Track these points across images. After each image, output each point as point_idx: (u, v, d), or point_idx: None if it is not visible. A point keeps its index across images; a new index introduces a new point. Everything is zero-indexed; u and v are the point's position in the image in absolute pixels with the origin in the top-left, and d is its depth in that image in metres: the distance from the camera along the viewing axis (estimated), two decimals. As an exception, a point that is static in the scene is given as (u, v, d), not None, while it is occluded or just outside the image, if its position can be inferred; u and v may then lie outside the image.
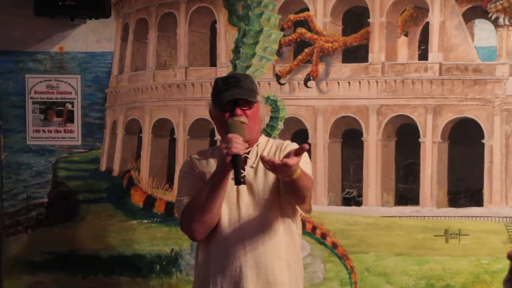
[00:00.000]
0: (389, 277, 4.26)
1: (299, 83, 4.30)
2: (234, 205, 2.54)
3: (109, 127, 4.42)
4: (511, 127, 4.20)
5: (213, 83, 2.64)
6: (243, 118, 2.48)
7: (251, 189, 2.56)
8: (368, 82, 4.26)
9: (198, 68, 4.36)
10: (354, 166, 4.36)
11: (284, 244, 2.57)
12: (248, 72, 4.23)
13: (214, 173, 2.42)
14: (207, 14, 4.31)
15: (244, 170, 2.48)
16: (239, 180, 2.30)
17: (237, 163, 2.28)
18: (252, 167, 2.59)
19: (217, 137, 4.01)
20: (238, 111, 2.46)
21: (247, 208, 2.54)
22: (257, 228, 2.53)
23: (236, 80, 2.51)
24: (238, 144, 2.31)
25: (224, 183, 2.39)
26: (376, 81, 4.25)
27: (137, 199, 4.40)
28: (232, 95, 2.48)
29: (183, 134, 4.41)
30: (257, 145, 2.64)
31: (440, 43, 4.23)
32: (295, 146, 2.53)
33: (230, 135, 2.34)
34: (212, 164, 2.56)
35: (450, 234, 4.24)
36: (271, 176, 2.56)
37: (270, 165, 2.22)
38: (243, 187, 2.52)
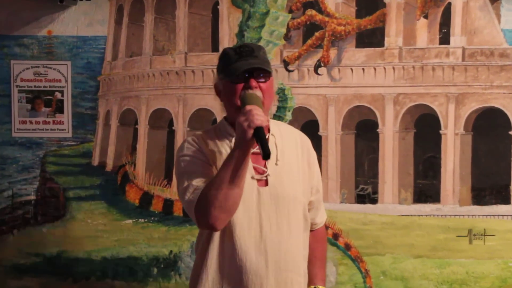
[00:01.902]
0: (408, 282, 4.18)
1: (308, 70, 4.23)
2: (254, 211, 2.33)
3: (102, 118, 4.37)
4: (541, 117, 4.14)
5: (220, 54, 2.42)
6: (258, 92, 2.28)
7: (274, 193, 2.35)
8: (384, 68, 4.20)
9: (199, 54, 4.30)
10: (368, 160, 4.31)
11: (303, 256, 2.44)
12: None
13: (233, 150, 2.20)
14: (209, -5, 4.30)
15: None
16: (267, 153, 2.11)
17: (262, 135, 2.12)
18: (276, 164, 2.37)
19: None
20: (254, 82, 2.26)
21: (269, 216, 2.33)
22: (280, 241, 2.33)
23: (250, 49, 2.31)
24: (259, 115, 2.14)
25: (246, 162, 2.18)
26: (393, 68, 4.18)
27: (132, 196, 4.33)
28: (248, 64, 2.27)
29: (182, 125, 4.36)
30: (273, 135, 2.42)
31: (463, 25, 4.16)
32: (309, 142, 2.49)
33: (248, 107, 2.17)
34: (220, 146, 2.36)
35: (474, 235, 4.16)
36: (295, 171, 2.40)
37: None
38: (264, 191, 2.33)
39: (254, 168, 2.32)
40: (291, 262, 2.35)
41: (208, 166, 2.33)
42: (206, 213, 2.21)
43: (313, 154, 2.51)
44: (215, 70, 2.55)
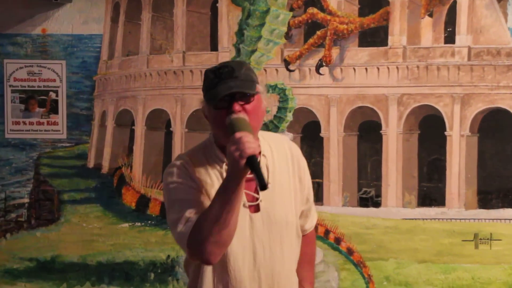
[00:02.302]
0: (412, 287, 4.17)
1: (310, 69, 4.24)
2: (247, 239, 2.27)
3: (98, 119, 4.39)
4: (549, 119, 4.13)
5: (204, 75, 2.31)
6: (242, 115, 2.17)
7: (267, 218, 2.29)
8: (388, 68, 4.20)
9: (198, 53, 4.31)
10: (371, 163, 4.31)
11: (295, 279, 2.40)
12: (254, 57, 4.11)
13: (226, 182, 2.13)
14: (208, -8, 4.37)
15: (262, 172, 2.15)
16: (264, 184, 2.05)
17: (255, 165, 2.05)
18: (267, 187, 2.24)
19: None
20: (237, 106, 2.17)
21: (262, 242, 2.28)
22: (273, 267, 2.30)
23: (229, 70, 2.21)
24: (250, 143, 2.05)
25: (240, 192, 2.11)
26: (397, 67, 4.19)
27: (129, 199, 4.32)
28: (226, 89, 2.17)
29: (180, 126, 4.36)
30: (264, 156, 2.34)
31: (469, 24, 4.16)
32: (299, 151, 2.42)
33: (238, 134, 2.07)
34: (211, 173, 2.28)
35: (480, 239, 4.14)
36: (287, 192, 2.34)
37: None
38: (257, 217, 2.27)
39: (245, 194, 2.24)
40: (284, 286, 2.33)
41: (199, 194, 2.25)
42: (200, 248, 2.15)
43: (304, 164, 2.44)
44: None
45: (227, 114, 2.16)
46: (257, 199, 2.26)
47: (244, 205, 2.23)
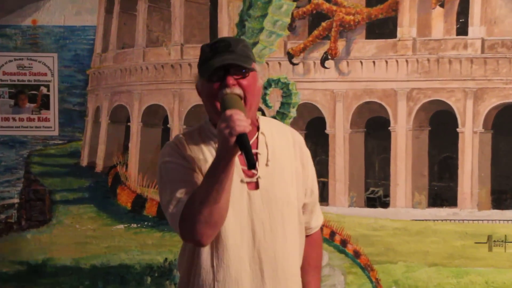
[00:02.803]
0: None
1: (315, 63, 4.22)
2: (245, 218, 2.30)
3: (92, 115, 4.39)
4: None
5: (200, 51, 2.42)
6: (237, 90, 2.24)
7: (266, 196, 2.32)
8: (397, 61, 4.19)
9: (196, 46, 4.25)
10: (379, 161, 4.31)
11: (298, 264, 2.41)
12: (255, 50, 4.08)
13: (216, 161, 2.16)
14: (207, -19, 4.38)
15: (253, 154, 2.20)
16: (252, 162, 2.08)
17: (245, 143, 2.09)
18: (267, 165, 2.34)
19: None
20: (231, 80, 2.23)
21: (261, 221, 2.31)
22: (275, 248, 2.31)
23: (226, 44, 2.28)
24: (241, 121, 2.09)
25: (230, 171, 2.15)
26: (406, 61, 4.18)
27: (124, 199, 4.30)
28: (221, 61, 2.24)
29: (178, 123, 4.33)
30: (262, 134, 2.40)
31: (482, 14, 4.14)
32: (302, 140, 2.46)
33: (228, 112, 2.12)
34: (205, 149, 2.33)
35: (494, 241, 4.11)
36: (288, 172, 2.36)
37: None
38: (255, 195, 2.30)
39: (243, 171, 2.29)
40: (288, 270, 2.34)
41: (193, 173, 2.30)
42: (191, 229, 2.20)
43: (307, 153, 2.48)
44: None
45: (220, 88, 2.22)
46: (255, 175, 2.30)
47: (242, 181, 2.27)
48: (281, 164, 2.33)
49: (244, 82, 2.25)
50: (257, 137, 2.36)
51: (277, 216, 2.31)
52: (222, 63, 2.22)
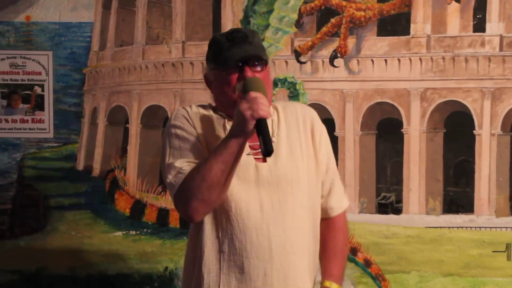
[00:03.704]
0: None
1: (323, 61, 4.19)
2: (252, 189, 2.36)
3: (88, 116, 4.35)
4: None
5: (210, 42, 2.46)
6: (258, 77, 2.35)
7: (274, 169, 2.38)
8: (410, 60, 4.15)
9: (198, 43, 4.26)
10: (391, 165, 4.26)
11: (309, 244, 2.44)
12: None
13: (229, 140, 2.23)
14: (209, -25, 4.35)
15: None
16: (269, 149, 2.14)
17: (264, 128, 2.15)
18: (272, 138, 2.44)
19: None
20: (249, 72, 2.30)
21: (270, 193, 2.36)
22: (283, 220, 2.36)
23: (243, 35, 2.36)
24: (265, 105, 2.15)
25: (240, 153, 2.23)
26: (420, 59, 4.13)
27: (122, 205, 4.28)
28: (243, 51, 2.31)
29: None
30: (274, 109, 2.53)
31: (501, 10, 4.07)
32: (314, 113, 2.52)
33: (253, 94, 2.18)
34: (213, 128, 2.41)
35: None
36: (297, 148, 2.43)
37: None
38: (263, 167, 2.37)
39: (250, 146, 2.37)
40: (296, 244, 2.38)
41: (198, 145, 2.37)
42: (185, 203, 2.28)
43: (320, 128, 2.52)
44: None
45: (238, 80, 2.29)
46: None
47: (248, 154, 2.34)
48: (289, 137, 2.41)
49: (260, 75, 2.31)
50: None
51: (287, 189, 2.36)
52: (245, 55, 2.28)
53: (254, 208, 2.34)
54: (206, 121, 2.41)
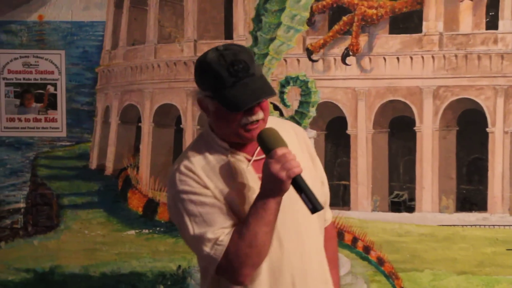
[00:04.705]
0: None
1: (335, 59, 4.20)
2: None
3: (101, 115, 4.39)
4: None
5: (203, 66, 2.21)
6: (260, 114, 2.21)
7: (286, 197, 2.27)
8: (422, 57, 4.15)
9: (210, 42, 4.29)
10: (404, 163, 4.27)
11: (324, 264, 2.39)
12: (273, 46, 4.09)
13: (266, 200, 2.17)
14: (221, -26, 4.39)
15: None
16: (318, 208, 2.10)
17: (303, 185, 2.11)
18: None
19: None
20: (259, 109, 2.20)
21: (286, 226, 2.27)
22: (302, 253, 2.29)
23: (244, 66, 2.16)
24: (296, 161, 2.11)
25: (278, 211, 2.18)
26: (432, 57, 4.14)
27: (135, 203, 4.29)
28: (253, 94, 2.16)
29: (191, 123, 4.37)
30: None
31: None
32: (304, 132, 2.49)
33: (280, 151, 2.12)
34: (220, 169, 2.27)
35: None
36: (304, 166, 2.33)
37: None
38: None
39: (259, 178, 2.26)
40: (316, 272, 2.34)
41: (218, 204, 2.24)
42: (234, 271, 2.21)
43: (311, 144, 2.54)
44: None
45: (243, 115, 2.18)
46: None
47: (247, 167, 2.24)
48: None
49: (264, 105, 2.23)
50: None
51: (299, 216, 2.29)
52: (257, 101, 2.16)
53: (274, 247, 2.26)
54: (211, 169, 2.25)
